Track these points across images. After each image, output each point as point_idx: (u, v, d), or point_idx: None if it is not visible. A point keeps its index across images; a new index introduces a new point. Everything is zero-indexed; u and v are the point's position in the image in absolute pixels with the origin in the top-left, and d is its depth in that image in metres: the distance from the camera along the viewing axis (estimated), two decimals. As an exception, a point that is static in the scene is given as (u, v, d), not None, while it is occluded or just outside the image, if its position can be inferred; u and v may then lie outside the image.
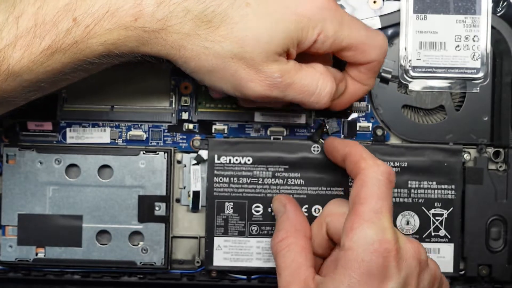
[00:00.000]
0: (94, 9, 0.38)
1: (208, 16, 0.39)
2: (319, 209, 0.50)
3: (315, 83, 0.42)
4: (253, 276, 0.52)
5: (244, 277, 0.52)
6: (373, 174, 0.41)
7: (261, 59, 0.40)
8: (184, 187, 0.51)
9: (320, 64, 0.43)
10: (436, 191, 0.50)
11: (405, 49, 0.50)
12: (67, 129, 0.51)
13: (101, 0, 0.38)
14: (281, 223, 0.46)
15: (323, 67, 0.43)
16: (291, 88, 0.42)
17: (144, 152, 0.50)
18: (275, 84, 0.41)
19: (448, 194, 0.50)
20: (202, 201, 0.51)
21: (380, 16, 0.51)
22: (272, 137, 0.51)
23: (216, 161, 0.50)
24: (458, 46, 0.50)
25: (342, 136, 0.51)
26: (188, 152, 0.52)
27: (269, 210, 0.50)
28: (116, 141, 0.51)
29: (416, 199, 0.50)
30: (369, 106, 0.52)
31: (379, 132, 0.51)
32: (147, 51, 0.40)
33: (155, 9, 0.38)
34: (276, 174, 0.50)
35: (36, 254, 0.50)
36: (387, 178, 0.42)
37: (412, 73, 0.50)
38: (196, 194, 0.51)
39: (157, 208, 0.50)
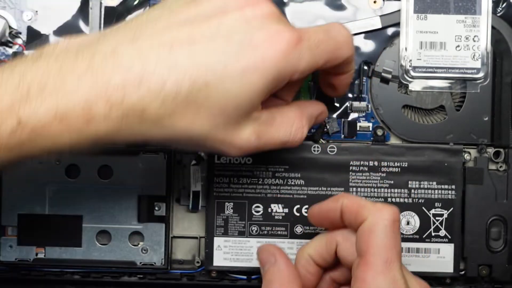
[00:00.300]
0: (40, 112, 0.34)
1: (168, 107, 0.36)
2: (319, 209, 0.50)
3: (288, 132, 0.42)
4: (253, 276, 0.52)
5: (244, 277, 0.52)
6: (378, 220, 0.40)
7: (234, 127, 0.38)
8: (184, 187, 0.51)
9: (295, 106, 0.43)
10: (436, 191, 0.50)
11: (406, 49, 0.50)
12: (67, 129, 0.51)
13: (47, 102, 0.34)
14: (273, 275, 0.44)
15: (296, 110, 0.43)
16: (267, 143, 0.41)
17: (144, 152, 0.50)
18: (252, 146, 0.40)
19: (448, 194, 0.50)
20: (202, 201, 0.51)
21: (380, 16, 0.51)
22: (272, 137, 0.51)
23: (216, 161, 0.50)
24: (458, 46, 0.50)
25: (342, 136, 0.51)
26: (188, 152, 0.51)
27: (269, 210, 0.50)
28: (116, 141, 0.51)
29: (416, 199, 0.50)
30: (369, 106, 0.52)
31: (379, 132, 0.51)
32: (107, 143, 0.37)
33: (107, 112, 0.35)
34: (276, 174, 0.50)
35: (36, 254, 0.50)
36: (392, 221, 0.40)
37: (412, 73, 0.50)
38: (196, 194, 0.51)
39: (157, 208, 0.50)
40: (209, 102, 0.36)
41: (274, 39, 0.37)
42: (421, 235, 0.50)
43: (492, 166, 0.51)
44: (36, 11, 0.52)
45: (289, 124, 0.42)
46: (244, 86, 0.37)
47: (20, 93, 0.34)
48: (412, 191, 0.50)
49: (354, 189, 0.50)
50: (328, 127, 0.51)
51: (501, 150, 0.51)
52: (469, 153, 0.51)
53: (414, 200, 0.50)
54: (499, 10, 0.51)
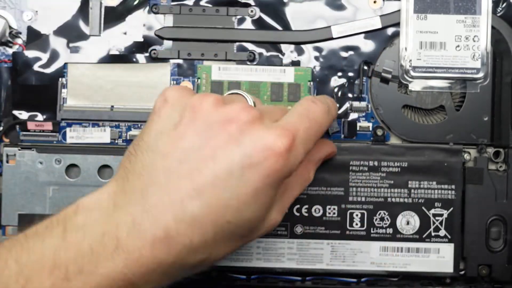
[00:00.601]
0: None
1: (202, 253, 0.37)
2: (319, 209, 0.50)
3: (300, 186, 0.44)
4: (252, 276, 0.52)
5: (244, 276, 0.52)
6: None
7: (262, 224, 0.40)
8: (184, 187, 0.51)
9: (304, 163, 0.43)
10: (436, 191, 0.50)
11: (405, 49, 0.50)
12: (67, 129, 0.51)
13: (88, 283, 0.35)
14: None
15: (304, 163, 0.43)
16: (288, 207, 0.42)
17: (144, 152, 0.50)
18: (280, 221, 0.41)
19: (448, 194, 0.50)
20: (202, 201, 0.51)
21: (380, 16, 0.51)
22: (272, 137, 0.51)
23: (216, 161, 0.50)
24: (458, 46, 0.50)
25: (342, 136, 0.51)
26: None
27: (269, 210, 0.50)
28: (116, 141, 0.51)
29: (416, 199, 0.50)
30: (369, 106, 0.52)
31: (379, 132, 0.51)
32: None
33: (147, 278, 0.36)
34: (276, 174, 0.50)
35: (36, 254, 0.50)
36: None
37: (412, 73, 0.50)
38: (196, 194, 0.51)
39: (157, 208, 0.50)
40: (235, 232, 0.37)
41: (270, 152, 0.37)
42: (421, 235, 0.50)
43: (492, 166, 0.51)
44: (36, 11, 0.52)
45: (300, 180, 0.44)
46: (260, 206, 0.37)
47: (59, 274, 0.35)
48: (412, 191, 0.50)
49: (354, 189, 0.50)
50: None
51: (501, 150, 0.51)
52: (469, 153, 0.51)
53: (414, 200, 0.50)
54: (499, 10, 0.51)
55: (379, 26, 0.51)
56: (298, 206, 0.50)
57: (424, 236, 0.50)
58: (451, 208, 0.50)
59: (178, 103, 0.39)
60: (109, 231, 0.36)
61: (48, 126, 0.51)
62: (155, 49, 0.51)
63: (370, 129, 0.51)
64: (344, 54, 0.52)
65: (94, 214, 0.37)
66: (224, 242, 0.38)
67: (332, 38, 0.51)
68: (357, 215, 0.50)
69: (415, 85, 0.51)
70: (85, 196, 0.38)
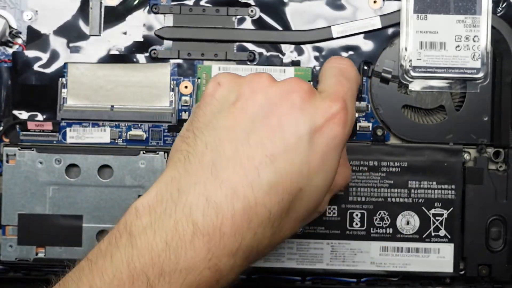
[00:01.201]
0: None
1: (277, 227, 0.36)
2: (319, 209, 0.50)
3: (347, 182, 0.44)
4: (253, 276, 0.52)
5: (244, 276, 0.52)
6: None
7: (323, 200, 0.39)
8: (184, 187, 0.51)
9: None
10: (436, 191, 0.50)
11: (405, 49, 0.50)
12: (67, 129, 0.51)
13: (175, 279, 0.33)
14: None
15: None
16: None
17: (144, 152, 0.51)
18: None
19: (448, 194, 0.50)
20: (202, 201, 0.51)
21: (380, 16, 0.51)
22: (272, 137, 0.51)
23: (216, 161, 0.50)
24: (458, 46, 0.50)
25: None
26: (188, 152, 0.52)
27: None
28: (116, 141, 0.52)
29: (416, 199, 0.50)
30: (369, 106, 0.52)
31: (379, 132, 0.51)
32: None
33: (232, 263, 0.35)
34: (276, 174, 0.50)
35: (37, 254, 0.51)
36: None
37: (412, 73, 0.50)
38: (196, 194, 0.51)
39: (157, 208, 0.50)
40: (305, 202, 0.37)
41: (331, 115, 0.37)
42: (421, 235, 0.50)
43: (492, 166, 0.51)
44: (36, 11, 0.52)
45: (344, 175, 0.43)
46: (327, 173, 0.37)
47: (140, 285, 0.33)
48: (412, 191, 0.50)
49: (354, 189, 0.50)
50: (328, 127, 0.51)
51: (501, 150, 0.51)
52: (469, 153, 0.51)
53: (414, 200, 0.50)
54: (499, 10, 0.51)
55: (379, 26, 0.51)
56: (298, 206, 0.50)
57: (424, 236, 0.50)
58: (451, 208, 0.50)
59: (233, 84, 0.38)
60: (181, 218, 0.33)
61: (48, 126, 0.51)
62: (155, 49, 0.51)
63: (370, 129, 0.51)
64: (344, 54, 0.52)
65: (158, 208, 0.34)
66: (292, 217, 0.37)
67: (332, 38, 0.51)
68: (357, 215, 0.51)
69: (415, 85, 0.51)
70: (138, 198, 0.36)
